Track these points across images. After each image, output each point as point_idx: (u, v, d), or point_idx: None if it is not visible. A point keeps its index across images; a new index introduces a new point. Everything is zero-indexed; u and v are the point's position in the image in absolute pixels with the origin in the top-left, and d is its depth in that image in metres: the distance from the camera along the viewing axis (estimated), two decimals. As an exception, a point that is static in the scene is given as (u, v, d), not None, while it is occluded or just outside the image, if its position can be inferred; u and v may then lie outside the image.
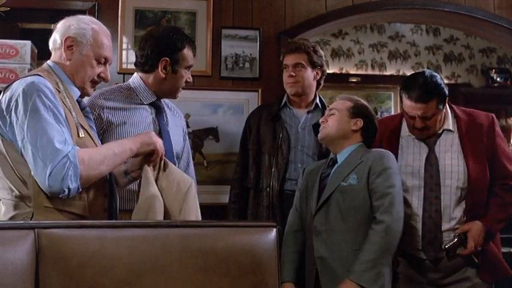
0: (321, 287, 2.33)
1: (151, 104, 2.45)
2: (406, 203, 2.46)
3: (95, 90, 2.19)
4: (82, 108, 2.08)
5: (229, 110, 3.46)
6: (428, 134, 2.53)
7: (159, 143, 2.10)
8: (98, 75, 2.08)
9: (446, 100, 2.50)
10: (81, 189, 1.84)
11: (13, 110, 1.83)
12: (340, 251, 2.29)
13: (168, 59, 2.40)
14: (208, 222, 1.69)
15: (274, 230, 1.74)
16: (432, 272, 2.50)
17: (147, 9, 3.50)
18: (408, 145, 2.59)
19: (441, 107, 2.46)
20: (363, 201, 2.32)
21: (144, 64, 2.43)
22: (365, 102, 2.56)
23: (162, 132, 2.41)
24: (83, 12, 3.32)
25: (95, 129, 2.15)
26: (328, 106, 2.80)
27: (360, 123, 2.47)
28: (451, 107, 2.59)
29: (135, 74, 2.50)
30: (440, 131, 2.54)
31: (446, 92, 2.47)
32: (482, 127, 2.52)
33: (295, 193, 2.62)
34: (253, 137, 2.94)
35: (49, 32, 2.10)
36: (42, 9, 3.53)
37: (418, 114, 2.44)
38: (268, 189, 2.81)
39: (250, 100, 3.52)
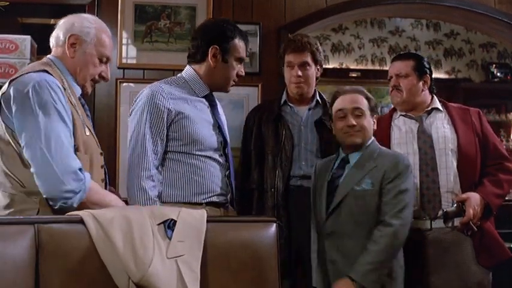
0: None
1: (204, 97, 2.45)
2: None
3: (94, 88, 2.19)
4: (82, 105, 2.09)
5: (229, 105, 3.41)
6: (403, 99, 2.68)
7: None
8: (99, 75, 2.10)
9: (425, 75, 2.69)
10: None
11: (20, 103, 1.82)
12: (352, 257, 2.25)
13: (217, 46, 2.39)
14: (209, 218, 1.69)
15: (274, 225, 1.75)
16: (430, 245, 2.49)
17: (147, 4, 3.48)
18: (399, 124, 2.71)
19: (417, 73, 2.67)
20: (376, 206, 2.28)
21: (195, 53, 2.44)
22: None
23: (219, 125, 2.44)
24: (82, 7, 3.32)
25: (92, 126, 2.15)
26: (328, 101, 2.77)
27: (375, 120, 2.46)
28: (440, 101, 2.75)
29: (188, 66, 2.49)
30: (429, 108, 2.69)
31: (426, 66, 2.71)
32: (469, 112, 2.69)
33: (299, 188, 2.65)
34: (254, 137, 2.86)
35: (49, 27, 2.09)
36: (43, 4, 3.53)
37: (394, 72, 2.72)
38: (272, 189, 2.74)
39: (251, 95, 3.51)
